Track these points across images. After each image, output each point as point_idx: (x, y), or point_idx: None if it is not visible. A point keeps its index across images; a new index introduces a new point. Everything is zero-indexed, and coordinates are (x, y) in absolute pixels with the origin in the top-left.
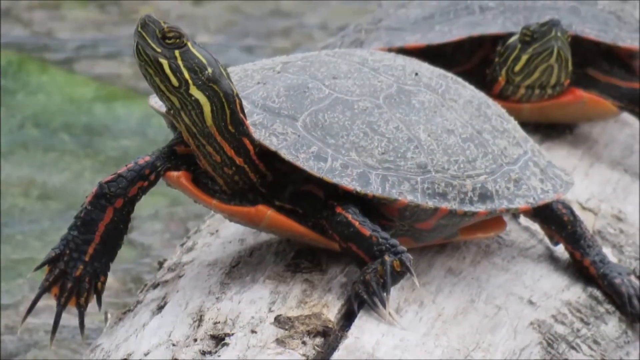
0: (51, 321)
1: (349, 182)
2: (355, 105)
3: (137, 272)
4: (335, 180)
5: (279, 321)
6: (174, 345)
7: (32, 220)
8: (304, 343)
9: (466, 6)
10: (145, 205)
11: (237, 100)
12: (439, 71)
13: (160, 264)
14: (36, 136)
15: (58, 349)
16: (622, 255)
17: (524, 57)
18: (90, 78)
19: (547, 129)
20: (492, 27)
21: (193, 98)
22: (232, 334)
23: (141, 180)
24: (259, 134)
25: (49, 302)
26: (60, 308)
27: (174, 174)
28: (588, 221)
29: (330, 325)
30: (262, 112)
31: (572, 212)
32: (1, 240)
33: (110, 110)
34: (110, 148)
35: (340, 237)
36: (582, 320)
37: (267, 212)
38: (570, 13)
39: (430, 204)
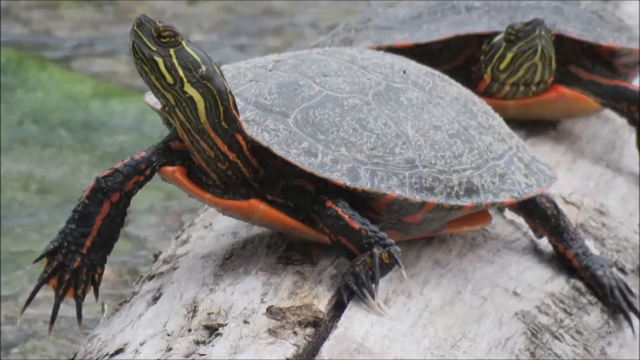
0: (50, 312)
1: (338, 176)
2: (345, 102)
3: (133, 265)
4: (326, 175)
5: (270, 312)
6: (168, 335)
7: (31, 214)
8: (295, 333)
9: (452, 6)
10: (141, 199)
11: (230, 98)
12: (426, 69)
13: (156, 257)
14: (35, 132)
15: (56, 339)
16: (604, 248)
17: (509, 56)
18: (87, 76)
19: (531, 125)
20: (477, 26)
21: (187, 95)
22: (226, 325)
23: (137, 175)
24: (251, 130)
25: (47, 293)
26: (59, 299)
27: (169, 168)
28: (571, 215)
29: (320, 316)
30: (254, 108)
31: (556, 206)
32: (1, 233)
33: (107, 107)
34: (106, 144)
35: (330, 230)
36: (565, 311)
37: (260, 206)
38: (553, 12)
39: (418, 198)
